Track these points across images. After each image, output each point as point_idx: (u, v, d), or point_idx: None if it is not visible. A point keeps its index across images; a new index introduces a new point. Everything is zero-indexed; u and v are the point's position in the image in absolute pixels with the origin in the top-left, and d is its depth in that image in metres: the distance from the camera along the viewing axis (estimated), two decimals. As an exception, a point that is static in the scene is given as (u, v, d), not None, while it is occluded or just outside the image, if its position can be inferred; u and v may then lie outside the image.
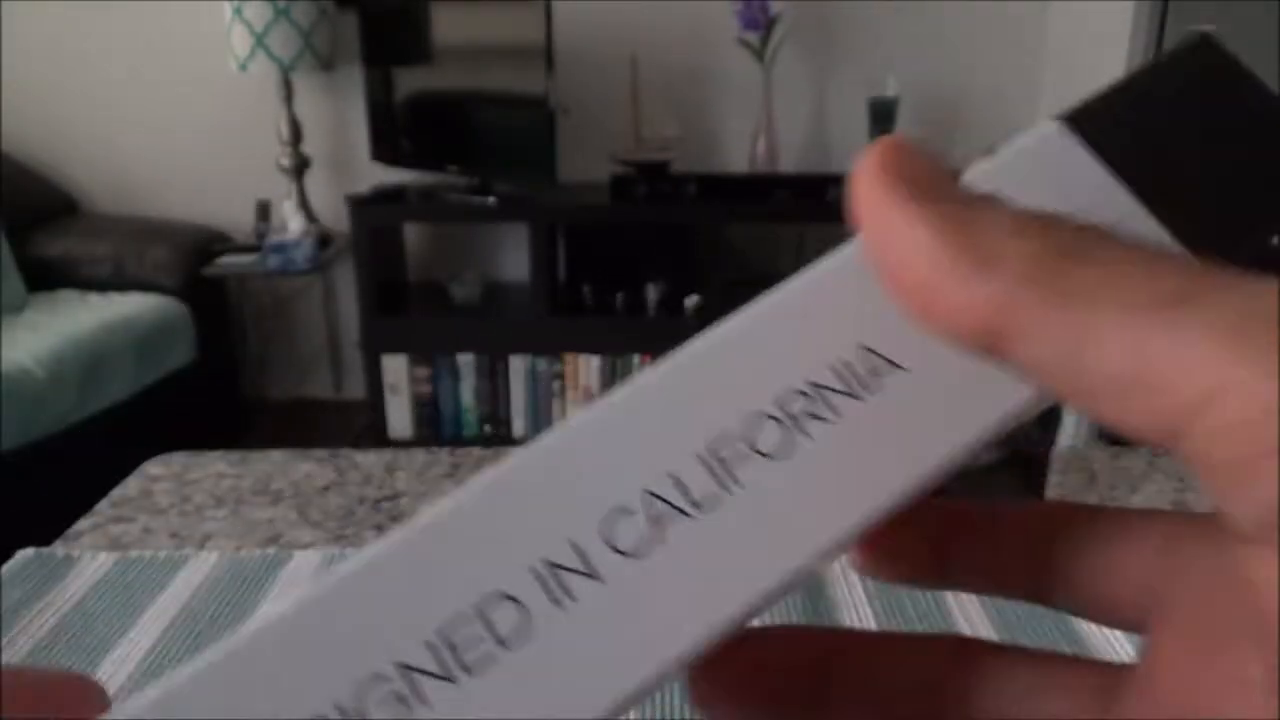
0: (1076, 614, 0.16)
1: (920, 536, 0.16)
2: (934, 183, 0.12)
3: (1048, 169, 0.15)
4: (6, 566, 0.54)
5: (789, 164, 2.34)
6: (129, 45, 2.38)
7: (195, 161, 2.45)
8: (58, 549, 0.56)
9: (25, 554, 0.55)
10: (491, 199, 2.17)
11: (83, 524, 0.60)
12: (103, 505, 0.63)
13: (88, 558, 0.54)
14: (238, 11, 2.15)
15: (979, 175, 0.15)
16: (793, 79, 2.32)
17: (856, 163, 0.13)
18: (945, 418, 0.14)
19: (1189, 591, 0.13)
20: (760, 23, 2.16)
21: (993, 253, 0.11)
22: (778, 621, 0.45)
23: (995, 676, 0.15)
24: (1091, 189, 0.15)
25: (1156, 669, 0.13)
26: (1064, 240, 0.11)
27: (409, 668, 0.12)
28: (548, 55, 2.02)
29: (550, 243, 2.20)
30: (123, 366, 1.98)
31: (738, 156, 2.37)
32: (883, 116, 2.23)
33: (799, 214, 2.26)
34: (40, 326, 1.91)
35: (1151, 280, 0.11)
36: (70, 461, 1.77)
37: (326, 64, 2.26)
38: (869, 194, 0.13)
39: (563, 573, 0.13)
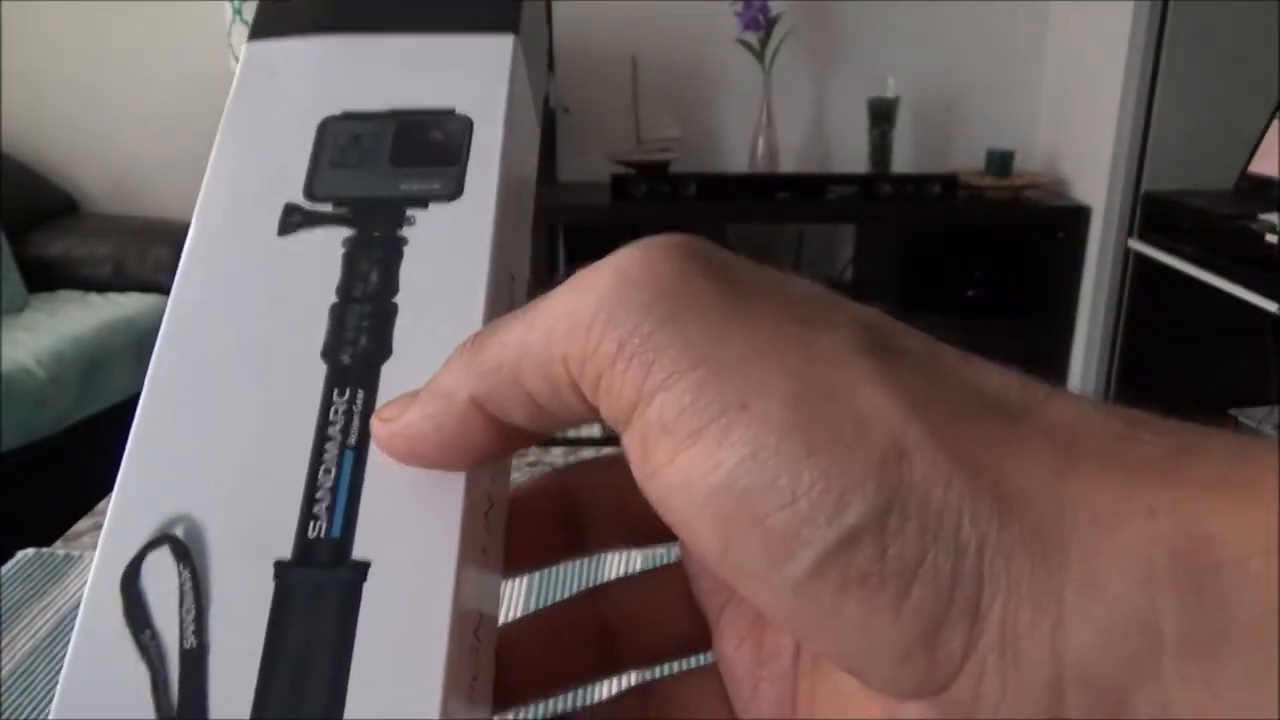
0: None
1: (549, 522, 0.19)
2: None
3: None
4: (6, 566, 0.54)
5: (789, 164, 2.34)
6: (129, 45, 2.38)
7: (195, 161, 2.41)
8: (58, 549, 0.56)
9: (25, 554, 0.55)
10: (491, 199, 2.16)
11: (83, 524, 0.60)
12: (103, 505, 0.63)
13: (88, 558, 0.54)
14: (238, 11, 2.15)
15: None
16: (793, 79, 2.32)
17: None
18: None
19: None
20: (760, 23, 2.16)
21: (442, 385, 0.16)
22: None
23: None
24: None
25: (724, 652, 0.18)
26: (473, 340, 0.16)
27: None
28: (548, 55, 2.02)
29: (550, 242, 2.20)
30: (123, 366, 1.98)
31: (738, 156, 2.37)
32: (882, 116, 2.23)
33: (799, 214, 2.26)
34: (40, 326, 1.91)
35: (501, 324, 0.15)
36: (70, 461, 1.77)
37: (326, 64, 2.25)
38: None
39: None
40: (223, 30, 2.21)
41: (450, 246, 0.18)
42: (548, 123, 2.07)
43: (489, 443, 0.16)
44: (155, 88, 2.41)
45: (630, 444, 0.14)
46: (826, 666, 0.16)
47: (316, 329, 0.17)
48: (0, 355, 1.71)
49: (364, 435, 0.16)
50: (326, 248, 0.18)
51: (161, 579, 0.15)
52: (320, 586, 0.15)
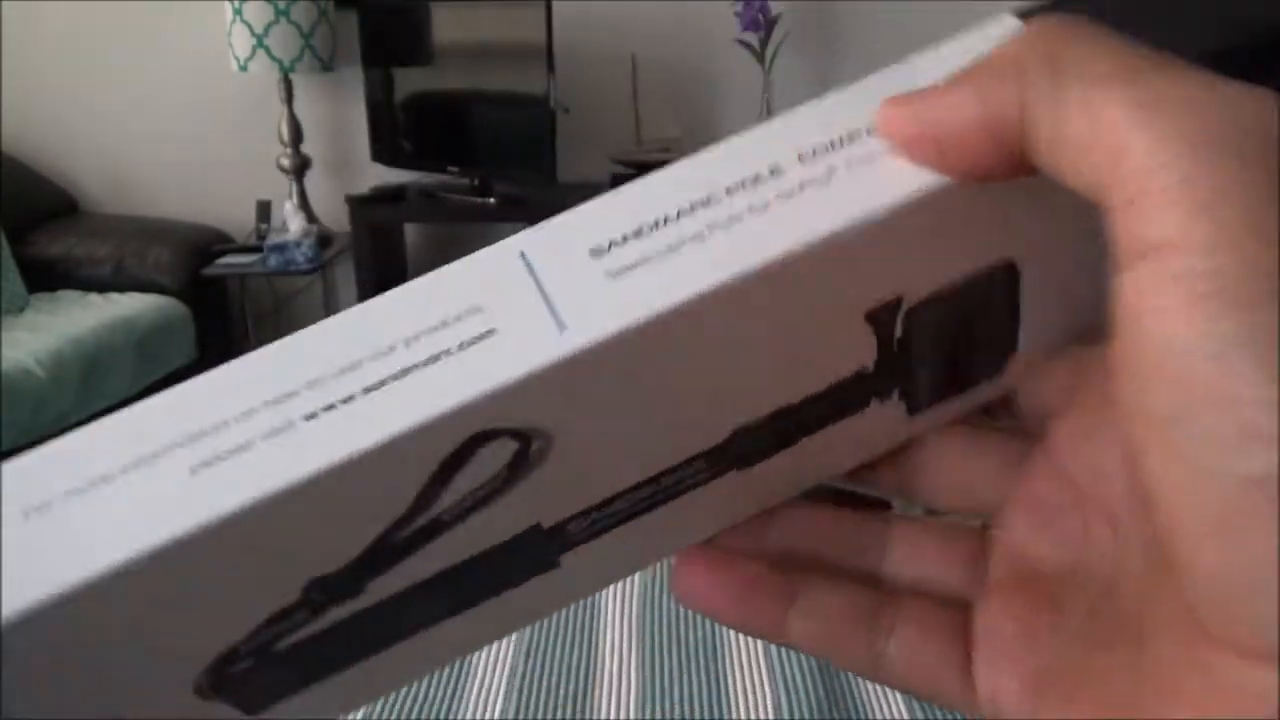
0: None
1: None
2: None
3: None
4: (7, 566, 0.54)
5: (789, 164, 2.34)
6: (129, 45, 2.38)
7: (195, 161, 2.45)
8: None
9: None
10: (491, 199, 2.17)
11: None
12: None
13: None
14: (238, 11, 2.15)
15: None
16: (793, 79, 2.32)
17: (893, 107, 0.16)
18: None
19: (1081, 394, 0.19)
20: (760, 23, 2.16)
21: (1001, 66, 0.15)
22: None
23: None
24: None
25: (1054, 447, 0.19)
26: (1051, 36, 0.14)
27: None
28: (548, 55, 2.02)
29: (550, 243, 2.20)
30: (123, 366, 1.98)
31: (738, 156, 2.37)
32: (883, 117, 2.23)
33: (799, 214, 2.26)
34: (40, 326, 1.91)
35: (1107, 60, 0.13)
36: (70, 461, 1.76)
37: (326, 64, 2.26)
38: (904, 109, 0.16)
39: None
40: (223, 30, 2.21)
41: None
42: (548, 123, 2.07)
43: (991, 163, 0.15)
44: (155, 88, 2.41)
45: (1127, 278, 0.13)
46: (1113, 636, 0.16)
47: None
48: (0, 355, 1.72)
49: None
50: None
51: None
52: None
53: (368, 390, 0.15)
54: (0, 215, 2.08)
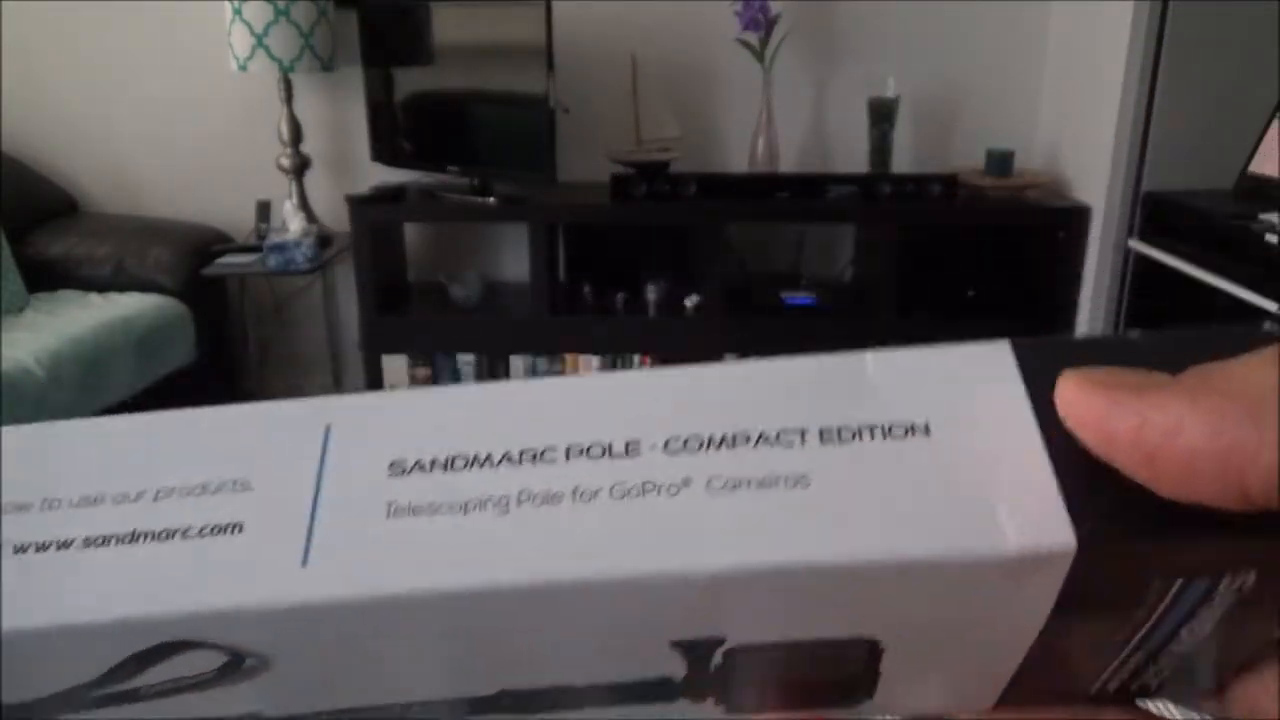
0: None
1: None
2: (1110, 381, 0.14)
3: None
4: (6, 566, 0.54)
5: (789, 164, 2.34)
6: (129, 45, 2.38)
7: (195, 161, 2.45)
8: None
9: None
10: (491, 199, 2.17)
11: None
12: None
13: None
14: (238, 11, 2.15)
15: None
16: (793, 79, 2.32)
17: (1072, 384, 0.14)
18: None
19: None
20: (760, 23, 2.16)
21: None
22: None
23: None
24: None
25: None
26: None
27: None
28: (548, 55, 2.02)
29: (550, 243, 2.20)
30: (123, 366, 1.97)
31: (738, 156, 2.37)
32: (883, 116, 2.23)
33: (799, 214, 2.26)
34: (40, 326, 1.91)
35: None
36: (70, 461, 1.76)
37: (326, 64, 2.25)
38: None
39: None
40: (223, 30, 2.21)
41: None
42: (548, 123, 2.07)
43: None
44: (155, 88, 2.41)
45: None
46: None
47: None
48: (0, 355, 1.71)
49: None
50: None
51: None
52: None
53: (87, 543, 0.13)
54: (0, 215, 2.08)
